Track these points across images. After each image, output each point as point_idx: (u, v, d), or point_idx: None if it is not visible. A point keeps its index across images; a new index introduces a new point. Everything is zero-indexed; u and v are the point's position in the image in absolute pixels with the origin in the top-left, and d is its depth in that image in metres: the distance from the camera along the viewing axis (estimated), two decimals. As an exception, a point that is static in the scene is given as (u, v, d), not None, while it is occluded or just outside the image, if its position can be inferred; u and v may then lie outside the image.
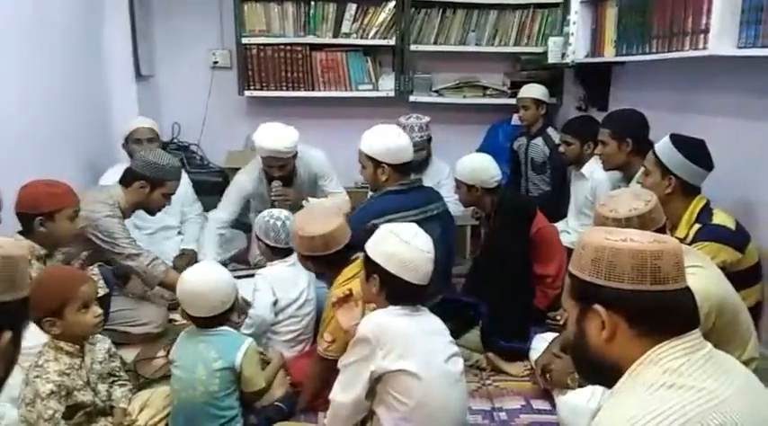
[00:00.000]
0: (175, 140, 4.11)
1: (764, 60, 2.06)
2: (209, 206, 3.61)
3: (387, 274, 1.70)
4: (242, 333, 2.14)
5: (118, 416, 1.90)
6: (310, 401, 2.08)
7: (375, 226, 2.20)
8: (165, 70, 4.14)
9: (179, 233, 3.43)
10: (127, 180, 2.65)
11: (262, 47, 4.02)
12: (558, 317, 2.59)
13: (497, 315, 2.46)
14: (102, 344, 1.96)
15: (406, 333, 1.69)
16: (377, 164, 2.49)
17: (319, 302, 2.42)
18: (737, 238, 2.07)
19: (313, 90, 4.11)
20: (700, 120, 2.60)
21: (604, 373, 1.10)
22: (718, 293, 1.67)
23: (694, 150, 2.12)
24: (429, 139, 3.63)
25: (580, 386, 1.91)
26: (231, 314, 2.05)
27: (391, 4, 4.00)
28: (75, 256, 2.23)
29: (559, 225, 3.12)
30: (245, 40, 4.00)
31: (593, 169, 3.00)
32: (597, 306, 1.07)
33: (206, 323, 1.99)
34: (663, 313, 1.04)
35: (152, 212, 2.77)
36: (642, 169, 2.26)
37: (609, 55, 3.16)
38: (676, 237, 1.96)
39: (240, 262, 3.30)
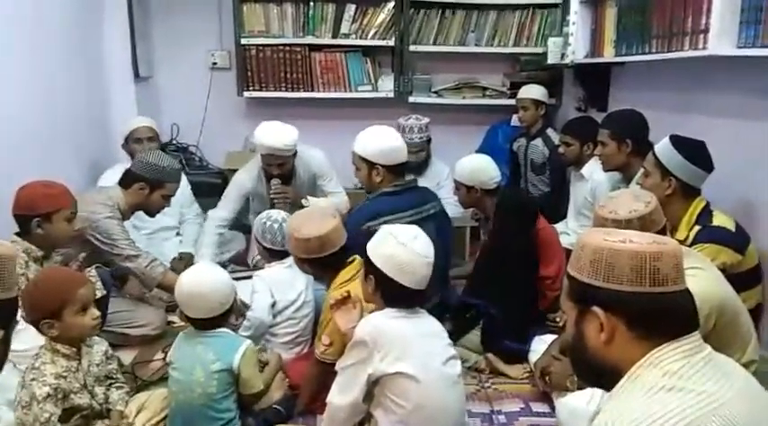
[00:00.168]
0: (174, 141, 4.10)
1: (764, 60, 2.06)
2: (208, 207, 3.60)
3: (382, 276, 1.70)
4: (240, 335, 2.13)
5: (115, 419, 1.89)
6: (308, 403, 2.07)
7: (369, 229, 2.21)
8: (163, 71, 4.14)
9: (177, 234, 3.43)
10: (126, 181, 2.65)
11: (261, 47, 4.02)
12: (558, 319, 2.58)
13: (499, 317, 2.44)
14: (100, 346, 1.95)
15: (403, 336, 1.68)
16: (371, 165, 2.48)
17: (317, 304, 2.41)
18: (738, 240, 2.06)
19: (312, 91, 4.10)
20: (699, 121, 2.59)
21: (603, 375, 1.09)
22: (718, 295, 1.66)
23: (694, 151, 2.12)
24: (428, 140, 3.63)
25: (579, 388, 1.90)
26: (230, 315, 2.04)
27: (390, 5, 3.99)
28: (73, 258, 2.22)
29: (559, 226, 3.11)
30: (244, 41, 3.99)
31: (593, 170, 2.99)
32: (596, 308, 1.06)
33: (204, 324, 1.99)
34: (662, 315, 1.03)
35: (151, 214, 2.76)
36: (642, 170, 2.25)
37: (608, 55, 3.15)
38: (676, 239, 1.95)
39: (239, 264, 3.31)
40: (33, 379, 1.71)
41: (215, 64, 4.18)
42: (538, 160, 3.61)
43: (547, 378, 2.11)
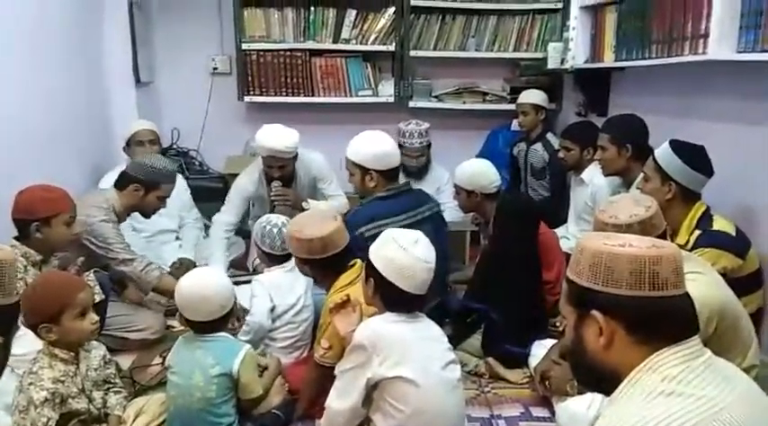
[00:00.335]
0: (175, 146, 4.11)
1: (764, 65, 2.05)
2: (208, 211, 3.61)
3: (382, 279, 1.69)
4: (239, 340, 2.12)
5: (113, 423, 1.89)
6: (307, 408, 2.06)
7: (363, 234, 2.20)
8: (164, 76, 4.15)
9: (177, 238, 3.43)
10: (121, 183, 2.65)
11: (261, 52, 4.03)
12: (558, 324, 2.57)
13: (500, 321, 2.44)
14: (98, 351, 1.94)
15: (402, 340, 1.67)
16: (364, 170, 2.48)
17: (317, 308, 2.40)
18: (738, 244, 2.06)
19: (313, 95, 4.11)
20: (699, 126, 2.59)
21: (603, 380, 1.09)
22: (718, 299, 1.66)
23: (694, 156, 2.12)
24: (429, 145, 3.63)
25: (579, 393, 1.89)
26: (230, 318, 2.04)
27: (391, 10, 4.01)
28: (71, 261, 2.22)
29: (559, 231, 3.10)
30: (244, 46, 4.00)
31: (593, 175, 2.99)
32: (595, 312, 1.05)
33: (204, 327, 1.98)
34: (661, 319, 1.02)
35: (147, 215, 2.76)
36: (642, 175, 2.25)
37: (608, 60, 3.16)
38: (677, 243, 1.94)
39: (239, 268, 3.30)
40: (31, 384, 1.70)
41: (216, 69, 4.19)
42: (538, 165, 3.61)
43: (547, 383, 2.11)
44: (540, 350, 2.27)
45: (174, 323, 2.58)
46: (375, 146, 2.49)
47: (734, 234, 2.07)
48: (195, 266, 3.02)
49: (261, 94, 4.08)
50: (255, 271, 2.89)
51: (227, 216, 3.13)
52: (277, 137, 2.95)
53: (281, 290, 2.38)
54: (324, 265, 2.08)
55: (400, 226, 2.00)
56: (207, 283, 1.97)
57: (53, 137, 2.88)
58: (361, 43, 4.06)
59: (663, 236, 1.65)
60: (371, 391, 1.68)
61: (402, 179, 3.53)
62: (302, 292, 2.41)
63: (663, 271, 1.02)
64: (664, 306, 1.02)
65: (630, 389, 1.01)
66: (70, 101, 3.11)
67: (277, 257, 2.43)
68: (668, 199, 2.09)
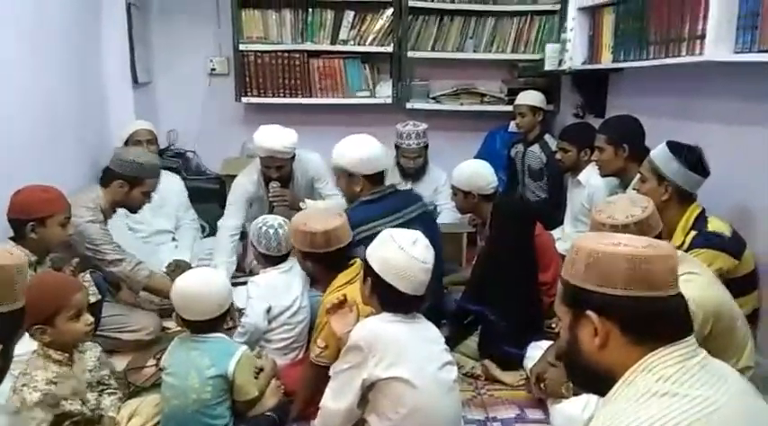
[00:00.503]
0: (172, 147, 4.09)
1: (761, 66, 2.05)
2: (205, 212, 3.61)
3: (380, 280, 1.69)
4: (235, 341, 2.12)
5: (107, 425, 1.88)
6: (303, 409, 2.05)
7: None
8: (162, 77, 4.14)
9: (173, 239, 3.42)
10: (105, 179, 2.63)
11: (259, 53, 4.02)
12: (554, 325, 2.56)
13: (498, 323, 2.43)
14: (92, 352, 1.94)
15: (399, 340, 1.67)
16: (350, 174, 2.49)
17: (312, 310, 2.39)
18: (733, 245, 2.06)
19: (310, 97, 4.11)
20: (697, 127, 2.59)
21: (597, 380, 1.08)
22: (714, 300, 1.66)
23: (690, 157, 2.11)
24: (426, 146, 3.62)
25: (575, 394, 1.89)
26: (228, 317, 2.03)
27: (389, 11, 4.00)
28: (65, 262, 2.21)
29: (556, 232, 3.10)
30: (242, 47, 4.00)
31: (590, 176, 2.99)
32: (589, 313, 1.05)
33: (201, 327, 1.97)
34: (656, 319, 1.02)
35: (133, 210, 2.75)
36: (638, 175, 2.25)
37: (606, 61, 3.16)
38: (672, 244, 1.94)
39: (236, 269, 3.28)
40: (24, 385, 1.69)
41: (213, 70, 4.18)
42: (535, 166, 3.61)
43: (542, 385, 2.10)
44: (536, 351, 2.27)
45: (170, 324, 2.57)
46: (360, 150, 2.50)
47: (729, 235, 2.07)
48: (191, 268, 3.01)
49: (258, 95, 4.08)
50: (252, 273, 2.88)
51: (231, 220, 3.13)
52: (275, 137, 2.96)
53: (276, 292, 2.37)
54: (325, 260, 2.08)
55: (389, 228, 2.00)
56: (204, 282, 1.97)
57: (50, 138, 2.87)
58: (358, 44, 4.05)
59: (659, 237, 1.65)
60: (367, 392, 1.67)
61: (399, 180, 3.57)
62: (298, 293, 2.41)
63: (657, 271, 1.02)
64: (658, 306, 1.02)
65: (625, 389, 1.01)
66: (68, 101, 3.10)
67: (273, 258, 2.42)
68: (664, 199, 2.09)
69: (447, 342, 1.85)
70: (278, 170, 3.03)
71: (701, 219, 2.09)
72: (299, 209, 2.86)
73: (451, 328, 2.52)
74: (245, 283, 2.54)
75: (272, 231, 2.41)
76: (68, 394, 1.76)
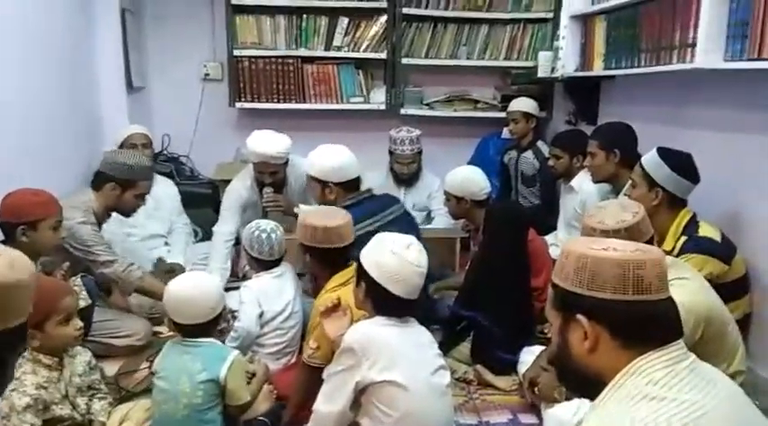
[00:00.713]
0: (165, 151, 4.09)
1: (751, 73, 2.08)
2: (198, 217, 3.60)
3: (373, 283, 1.68)
4: (227, 346, 2.11)
5: (97, 430, 1.87)
6: (295, 413, 2.04)
7: None
8: (156, 82, 4.15)
9: (166, 243, 3.41)
10: (97, 183, 2.61)
11: (253, 59, 4.03)
12: (546, 330, 2.56)
13: (491, 328, 2.43)
14: (83, 357, 1.92)
15: (392, 344, 1.67)
16: (323, 183, 2.52)
17: (305, 315, 2.39)
18: (724, 250, 2.07)
19: (304, 102, 4.12)
20: (688, 133, 2.61)
21: (587, 384, 1.08)
22: (705, 305, 1.67)
23: (681, 163, 2.13)
24: (420, 152, 3.63)
25: (567, 399, 1.89)
26: (220, 321, 2.02)
27: (383, 18, 4.03)
28: (56, 266, 2.19)
29: (549, 238, 3.11)
30: (236, 53, 4.01)
31: (582, 182, 3.00)
32: (579, 316, 1.06)
33: (194, 330, 1.96)
34: (645, 323, 1.02)
35: (126, 214, 2.73)
36: (630, 181, 2.26)
37: (598, 69, 3.18)
38: (663, 250, 1.95)
39: (229, 274, 3.28)
40: (13, 390, 1.67)
41: (207, 75, 4.19)
42: (528, 172, 3.62)
43: (535, 389, 2.10)
44: (529, 356, 2.27)
45: (162, 329, 2.56)
46: (331, 159, 2.53)
47: (719, 240, 2.09)
48: (184, 271, 3.00)
49: (252, 101, 4.08)
50: (245, 277, 2.87)
51: (225, 226, 3.12)
52: (269, 142, 2.96)
53: (269, 296, 2.37)
54: (323, 256, 2.09)
55: (366, 232, 2.00)
56: (197, 285, 1.95)
57: (44, 142, 2.86)
58: (353, 50, 4.07)
59: (650, 242, 1.66)
60: (360, 395, 1.67)
61: (393, 185, 3.57)
62: (291, 298, 2.40)
63: (647, 275, 1.02)
64: (648, 310, 1.02)
65: (614, 393, 1.01)
66: (62, 106, 3.10)
67: (266, 263, 2.42)
68: (655, 205, 2.11)
69: (440, 348, 1.85)
70: (271, 175, 3.03)
71: (692, 224, 2.11)
72: (294, 215, 2.86)
73: (444, 333, 2.51)
74: (238, 288, 2.53)
75: (264, 236, 2.40)
76: (58, 398, 1.75)
